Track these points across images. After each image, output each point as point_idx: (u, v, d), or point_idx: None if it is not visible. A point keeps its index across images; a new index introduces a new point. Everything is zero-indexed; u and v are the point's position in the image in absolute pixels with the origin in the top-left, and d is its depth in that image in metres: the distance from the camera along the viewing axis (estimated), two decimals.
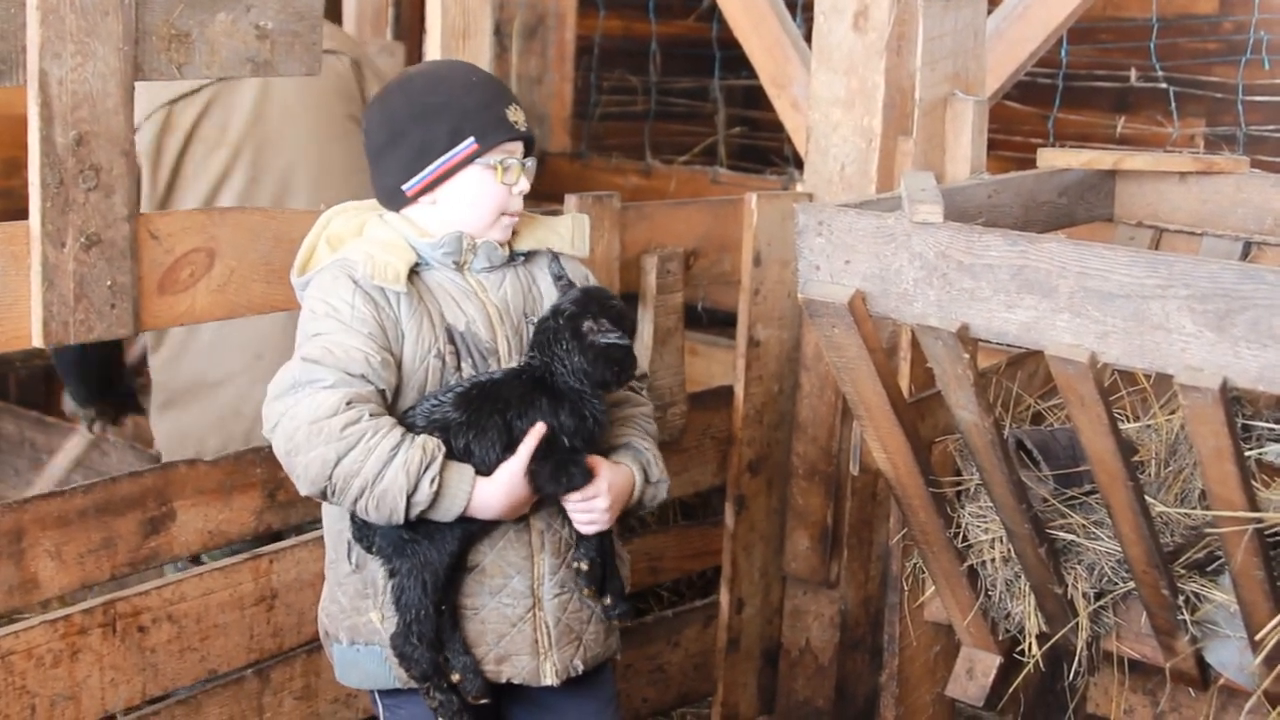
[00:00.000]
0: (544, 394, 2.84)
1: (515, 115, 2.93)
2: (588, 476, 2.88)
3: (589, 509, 2.89)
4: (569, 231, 3.07)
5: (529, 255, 3.04)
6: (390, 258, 2.84)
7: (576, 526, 2.92)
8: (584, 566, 2.94)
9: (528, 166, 2.96)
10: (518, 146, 2.95)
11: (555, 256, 3.01)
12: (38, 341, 2.88)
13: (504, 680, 2.91)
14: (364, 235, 2.93)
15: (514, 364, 2.90)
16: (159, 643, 3.19)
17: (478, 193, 2.91)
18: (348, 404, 2.70)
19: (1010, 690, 3.34)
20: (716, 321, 5.85)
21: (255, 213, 3.22)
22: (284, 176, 4.02)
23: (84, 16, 2.80)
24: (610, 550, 3.00)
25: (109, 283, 2.94)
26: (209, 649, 3.28)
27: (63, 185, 2.83)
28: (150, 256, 3.02)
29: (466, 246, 2.92)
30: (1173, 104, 6.06)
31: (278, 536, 3.58)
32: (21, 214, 2.86)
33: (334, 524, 2.97)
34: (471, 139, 2.88)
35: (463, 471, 2.77)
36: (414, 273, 2.88)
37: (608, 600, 2.99)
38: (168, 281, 3.06)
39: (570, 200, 3.74)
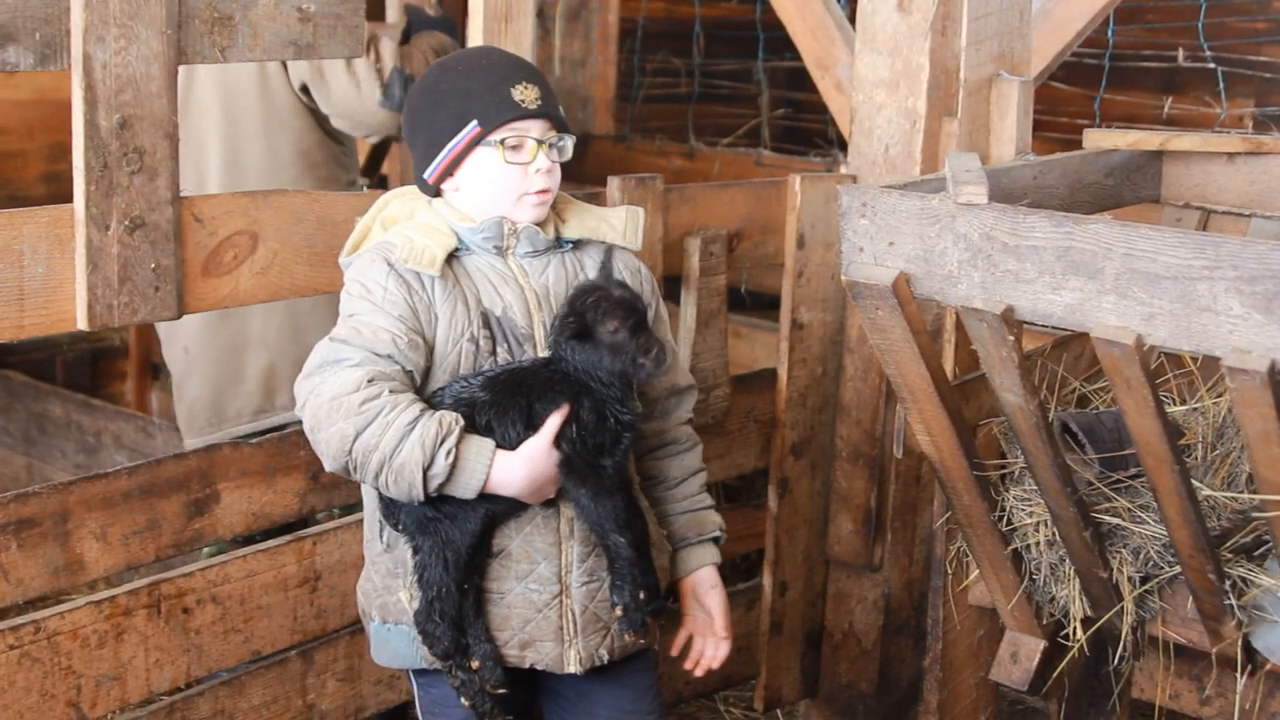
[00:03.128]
0: (567, 385, 2.82)
1: (524, 93, 2.88)
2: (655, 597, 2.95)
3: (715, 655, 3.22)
4: (622, 223, 3.03)
5: (579, 243, 3.02)
6: (429, 241, 2.84)
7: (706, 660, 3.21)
8: (619, 613, 2.90)
9: (552, 145, 2.92)
10: (532, 125, 2.89)
11: (610, 257, 2.97)
12: (82, 324, 2.90)
13: (527, 666, 2.91)
14: (413, 219, 2.94)
15: (548, 353, 2.88)
16: (203, 624, 3.21)
17: (490, 174, 2.89)
18: (369, 381, 2.70)
19: (1054, 675, 3.32)
20: (760, 304, 5.83)
21: (299, 196, 3.22)
22: (198, 172, 4.05)
23: (127, 0, 2.81)
24: (650, 584, 2.94)
25: (153, 265, 2.96)
26: (253, 630, 3.30)
27: (106, 168, 2.85)
28: (194, 239, 3.03)
29: (508, 231, 2.91)
30: (1221, 84, 6.00)
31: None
32: (67, 197, 2.88)
33: (372, 503, 2.98)
34: (475, 122, 2.87)
35: (482, 446, 2.75)
36: (454, 257, 2.88)
37: (641, 596, 2.92)
38: (211, 264, 3.07)
39: (613, 183, 3.73)
